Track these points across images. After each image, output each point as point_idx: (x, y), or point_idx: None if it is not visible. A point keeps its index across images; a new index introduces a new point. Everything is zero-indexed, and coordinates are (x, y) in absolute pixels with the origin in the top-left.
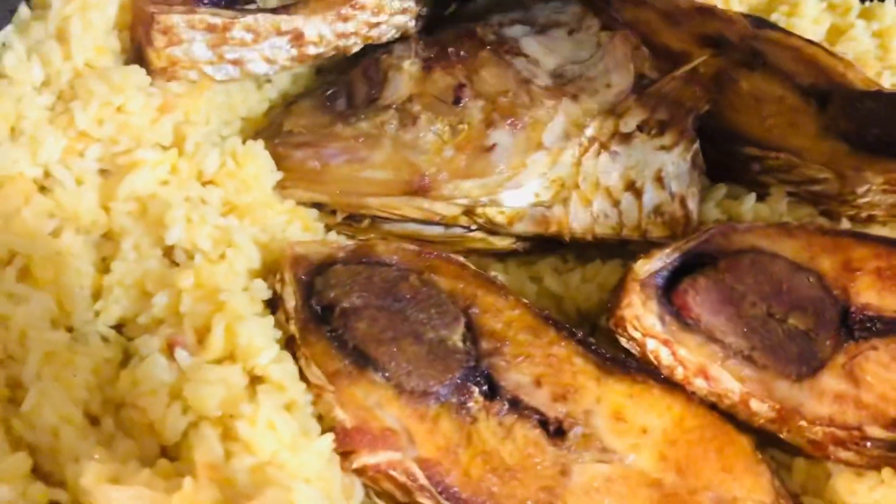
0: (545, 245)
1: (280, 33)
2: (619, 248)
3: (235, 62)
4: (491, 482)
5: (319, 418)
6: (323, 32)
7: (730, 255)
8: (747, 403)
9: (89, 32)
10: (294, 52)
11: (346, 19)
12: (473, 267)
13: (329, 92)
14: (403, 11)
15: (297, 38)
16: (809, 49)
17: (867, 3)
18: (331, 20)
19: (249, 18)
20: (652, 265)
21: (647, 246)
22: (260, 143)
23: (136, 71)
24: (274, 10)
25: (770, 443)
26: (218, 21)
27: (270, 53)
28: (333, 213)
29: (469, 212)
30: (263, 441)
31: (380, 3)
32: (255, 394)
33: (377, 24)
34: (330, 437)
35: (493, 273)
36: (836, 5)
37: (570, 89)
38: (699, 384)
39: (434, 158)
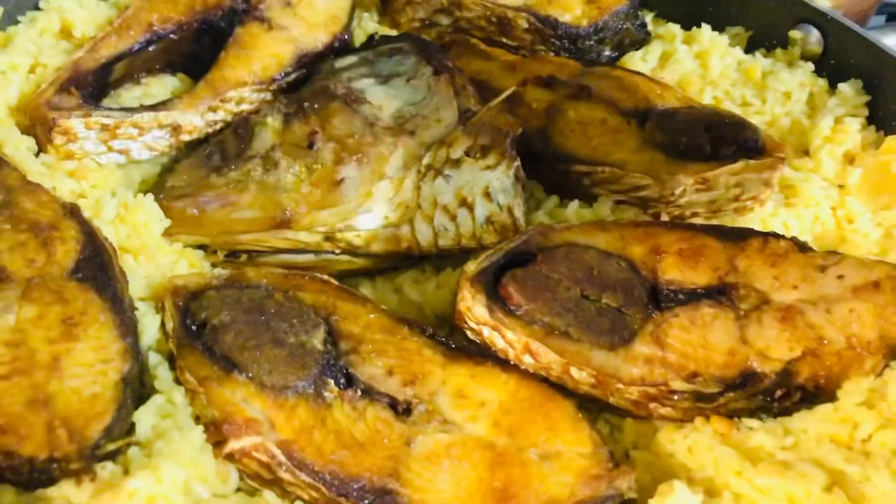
0: (406, 262)
1: (161, 127)
2: (466, 257)
3: (122, 151)
4: (342, 455)
5: (197, 419)
6: (196, 123)
7: (547, 250)
8: (569, 373)
9: None
10: (172, 140)
11: (214, 110)
12: (336, 283)
13: (206, 151)
14: (262, 101)
15: (175, 129)
16: (631, 78)
17: (690, 31)
18: (202, 113)
19: (136, 117)
20: (479, 265)
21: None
22: (149, 197)
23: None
24: (155, 108)
25: (602, 408)
26: (110, 122)
27: (152, 143)
28: (216, 252)
29: (329, 238)
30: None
31: (241, 96)
32: None
33: (240, 112)
34: (200, 429)
35: (360, 289)
36: (662, 35)
37: (409, 127)
38: (528, 361)
39: (294, 195)
